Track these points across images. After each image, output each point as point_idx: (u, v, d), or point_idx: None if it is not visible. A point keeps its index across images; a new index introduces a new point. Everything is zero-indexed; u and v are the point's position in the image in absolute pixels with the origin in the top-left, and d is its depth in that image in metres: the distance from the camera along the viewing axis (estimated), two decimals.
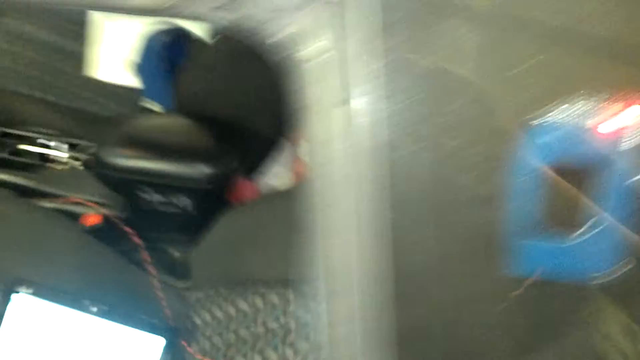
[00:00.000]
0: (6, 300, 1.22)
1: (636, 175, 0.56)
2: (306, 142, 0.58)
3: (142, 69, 1.64)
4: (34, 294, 1.23)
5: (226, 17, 0.52)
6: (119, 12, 0.55)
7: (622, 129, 0.54)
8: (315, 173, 0.58)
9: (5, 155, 1.52)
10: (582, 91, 0.53)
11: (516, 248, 0.61)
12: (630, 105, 0.53)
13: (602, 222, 0.57)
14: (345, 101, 0.53)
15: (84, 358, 1.22)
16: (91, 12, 1.58)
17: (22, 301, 1.22)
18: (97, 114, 1.63)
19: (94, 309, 1.24)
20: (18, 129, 1.55)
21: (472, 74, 0.55)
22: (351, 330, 0.64)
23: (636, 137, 0.55)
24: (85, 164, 1.51)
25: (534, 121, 0.54)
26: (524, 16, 0.54)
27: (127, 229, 1.43)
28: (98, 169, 1.46)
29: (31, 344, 1.21)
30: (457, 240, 0.64)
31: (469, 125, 0.57)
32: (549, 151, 0.56)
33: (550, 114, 0.54)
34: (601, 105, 0.54)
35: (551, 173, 0.57)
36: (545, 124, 0.55)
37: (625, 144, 0.55)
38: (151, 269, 1.37)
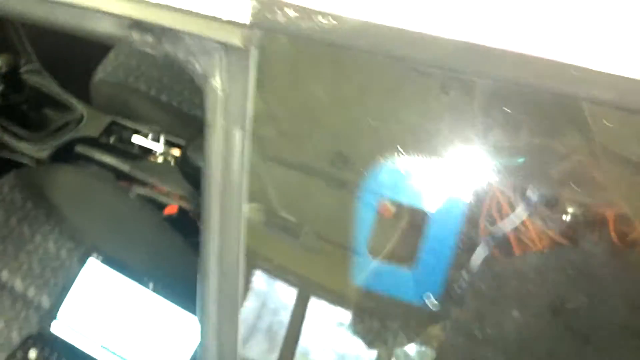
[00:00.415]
0: (83, 262, 1.45)
1: (458, 222, 0.66)
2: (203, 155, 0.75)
3: None
4: (103, 261, 1.45)
5: (158, 50, 0.69)
6: (83, 36, 0.73)
7: (449, 178, 0.65)
8: (205, 178, 0.75)
9: (112, 141, 1.79)
10: (421, 146, 0.65)
11: (364, 265, 0.72)
12: (455, 162, 0.64)
13: (430, 255, 0.68)
14: (227, 128, 0.70)
15: (133, 324, 1.42)
16: None
17: (92, 266, 1.45)
18: (199, 118, 1.85)
19: (152, 285, 1.44)
20: (128, 120, 1.82)
21: (336, 122, 0.69)
22: (216, 307, 0.80)
23: (458, 185, 0.65)
24: (176, 160, 1.74)
25: (381, 164, 0.66)
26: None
27: (199, 223, 1.63)
28: (184, 166, 1.69)
29: (92, 303, 1.43)
30: (311, 249, 0.78)
31: (329, 160, 0.71)
32: (390, 188, 0.68)
33: (394, 161, 0.66)
34: (434, 158, 0.65)
35: (394, 207, 0.68)
36: (390, 167, 0.67)
37: (450, 190, 0.66)
38: None
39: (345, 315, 0.83)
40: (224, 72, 0.67)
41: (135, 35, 0.70)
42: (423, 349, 0.80)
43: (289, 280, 0.85)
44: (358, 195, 0.69)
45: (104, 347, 1.41)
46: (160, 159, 1.76)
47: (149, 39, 0.69)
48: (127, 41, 0.71)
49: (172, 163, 1.75)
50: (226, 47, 0.66)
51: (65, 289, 1.45)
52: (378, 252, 0.72)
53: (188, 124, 1.82)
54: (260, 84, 0.65)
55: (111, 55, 1.89)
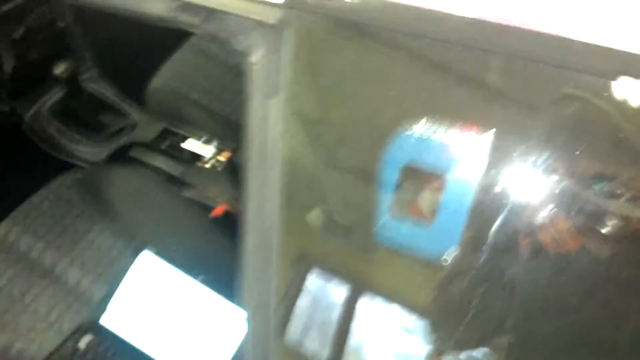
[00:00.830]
0: (135, 254, 1.56)
1: (473, 181, 0.72)
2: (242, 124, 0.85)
3: None
4: (157, 253, 1.56)
5: (203, 30, 0.79)
6: (135, 18, 0.82)
7: (466, 144, 0.71)
8: (246, 147, 0.87)
9: (164, 146, 1.91)
10: (438, 115, 0.72)
11: (385, 224, 0.79)
12: (470, 129, 0.70)
13: (447, 213, 0.74)
14: (263, 99, 0.79)
15: (182, 315, 1.52)
16: None
17: (145, 258, 1.55)
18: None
19: (201, 277, 1.54)
20: (180, 127, 1.94)
21: (360, 94, 0.77)
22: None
23: (474, 151, 0.72)
24: (224, 166, 1.84)
25: (403, 132, 0.73)
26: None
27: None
28: (232, 171, 1.80)
29: (141, 296, 1.53)
30: (339, 210, 0.85)
31: (354, 129, 0.79)
32: (411, 154, 0.74)
33: (414, 128, 0.73)
34: (451, 126, 0.72)
35: (412, 170, 0.75)
36: (410, 134, 0.73)
37: (466, 156, 0.72)
38: None
39: (396, 314, 0.89)
40: (260, 49, 0.77)
41: (183, 17, 0.80)
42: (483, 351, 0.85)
43: (341, 279, 0.92)
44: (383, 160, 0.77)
45: (151, 338, 1.50)
46: (208, 164, 1.87)
47: (195, 20, 0.79)
48: (174, 22, 0.81)
49: (220, 168, 1.85)
50: (263, 26, 0.75)
51: (115, 283, 1.55)
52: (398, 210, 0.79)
53: (237, 132, 1.92)
54: (293, 59, 0.75)
55: (166, 65, 2.02)
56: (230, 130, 1.91)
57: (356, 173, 0.83)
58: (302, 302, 0.95)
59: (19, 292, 1.56)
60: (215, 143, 1.88)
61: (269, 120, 0.80)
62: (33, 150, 1.95)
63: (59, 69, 1.94)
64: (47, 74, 1.97)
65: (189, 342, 1.50)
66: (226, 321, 1.51)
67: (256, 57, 0.78)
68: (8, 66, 1.91)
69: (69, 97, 1.95)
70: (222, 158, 1.86)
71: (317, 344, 0.95)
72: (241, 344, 1.48)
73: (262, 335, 0.98)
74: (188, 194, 1.81)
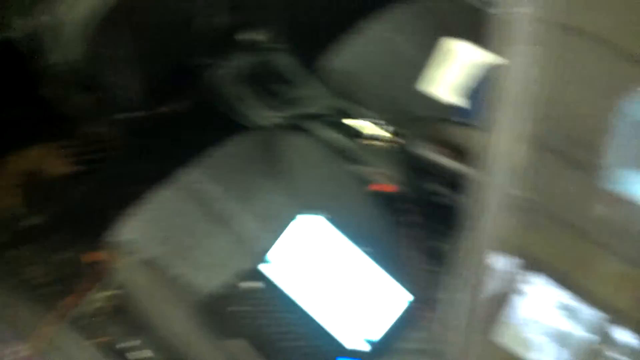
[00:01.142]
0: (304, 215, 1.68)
1: None
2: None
3: (472, 95, 1.99)
4: (328, 219, 1.68)
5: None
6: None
7: None
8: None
9: (333, 121, 2.04)
10: None
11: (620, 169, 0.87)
12: None
13: None
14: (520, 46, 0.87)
15: (341, 279, 1.62)
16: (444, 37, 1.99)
17: (318, 222, 1.68)
18: (414, 114, 2.03)
19: (367, 249, 1.64)
20: (353, 105, 2.05)
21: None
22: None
23: None
24: (393, 147, 1.94)
25: None
26: None
27: (405, 206, 1.82)
28: (399, 153, 1.89)
29: (308, 253, 1.65)
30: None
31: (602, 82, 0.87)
32: None
33: None
34: None
35: None
36: None
37: None
38: (412, 243, 1.72)
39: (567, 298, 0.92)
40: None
41: None
42: None
43: (513, 258, 0.97)
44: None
45: (308, 296, 1.61)
46: (376, 144, 1.97)
47: None
48: None
49: (388, 150, 1.95)
50: None
51: (282, 239, 1.67)
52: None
53: (406, 118, 2.01)
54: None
55: (346, 45, 2.11)
56: (400, 116, 2.00)
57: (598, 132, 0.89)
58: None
59: (194, 231, 1.70)
60: (384, 126, 1.98)
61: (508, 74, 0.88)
62: (209, 109, 2.12)
63: (243, 37, 2.10)
64: (230, 40, 2.13)
65: (344, 309, 1.60)
66: (384, 298, 1.59)
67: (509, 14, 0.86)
68: (193, 30, 2.08)
69: (250, 64, 2.10)
70: (390, 142, 1.96)
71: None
72: (394, 323, 1.57)
73: (464, 324, 1.04)
74: (354, 169, 1.92)
